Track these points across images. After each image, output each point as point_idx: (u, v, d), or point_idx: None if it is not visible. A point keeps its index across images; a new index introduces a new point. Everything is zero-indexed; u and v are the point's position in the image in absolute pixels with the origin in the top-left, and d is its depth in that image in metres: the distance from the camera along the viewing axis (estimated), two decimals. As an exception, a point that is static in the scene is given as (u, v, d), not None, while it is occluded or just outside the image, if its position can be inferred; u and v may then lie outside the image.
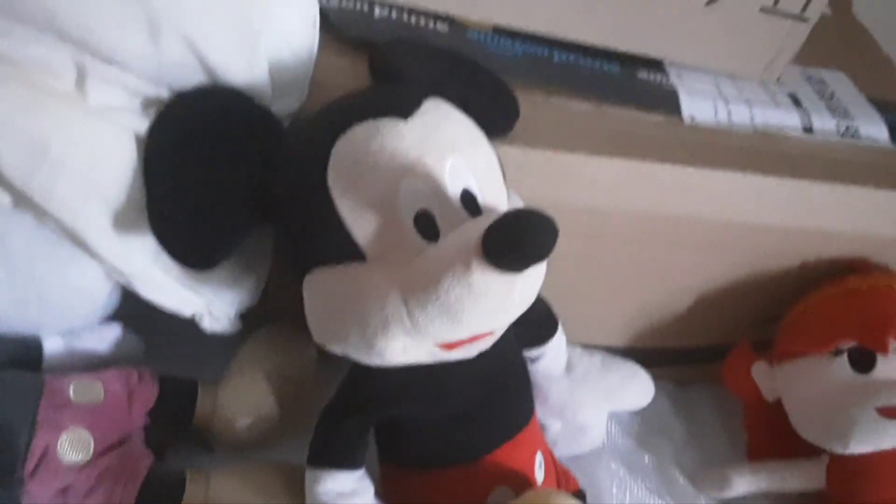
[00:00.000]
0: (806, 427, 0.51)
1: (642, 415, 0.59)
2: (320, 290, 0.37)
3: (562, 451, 0.52)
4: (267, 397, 0.47)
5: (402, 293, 0.35)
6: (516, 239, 0.32)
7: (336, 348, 0.38)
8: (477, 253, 0.33)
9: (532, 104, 0.50)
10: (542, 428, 0.51)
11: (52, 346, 0.44)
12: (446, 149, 0.37)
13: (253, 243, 0.43)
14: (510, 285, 0.33)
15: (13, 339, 0.43)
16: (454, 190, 0.37)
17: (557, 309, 0.50)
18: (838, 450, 0.49)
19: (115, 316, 0.47)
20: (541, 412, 0.50)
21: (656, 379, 0.61)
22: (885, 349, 0.49)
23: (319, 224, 0.36)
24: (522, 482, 0.42)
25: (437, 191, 0.36)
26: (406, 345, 0.36)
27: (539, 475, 0.44)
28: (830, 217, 0.53)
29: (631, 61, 0.55)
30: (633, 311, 0.57)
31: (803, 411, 0.52)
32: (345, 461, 0.40)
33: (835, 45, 0.68)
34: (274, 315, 0.49)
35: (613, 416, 0.58)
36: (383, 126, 0.36)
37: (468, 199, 0.37)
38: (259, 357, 0.48)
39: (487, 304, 0.34)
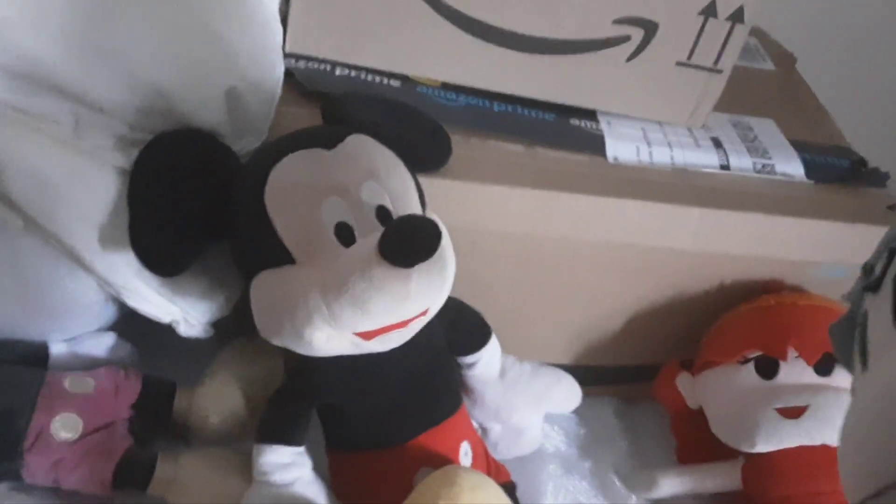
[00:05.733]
0: (721, 430, 0.57)
1: (588, 427, 0.65)
2: (261, 290, 0.45)
3: (504, 453, 0.58)
4: (237, 399, 0.54)
5: (321, 289, 0.42)
6: (404, 239, 0.40)
7: (276, 340, 0.46)
8: (376, 252, 0.40)
9: (469, 146, 0.58)
10: (484, 431, 0.58)
11: (57, 349, 0.53)
12: (363, 174, 0.45)
13: (222, 263, 0.52)
14: (405, 279, 0.41)
15: (25, 342, 0.52)
16: (369, 206, 0.45)
17: (502, 328, 0.57)
18: (747, 448, 0.55)
19: (113, 327, 0.56)
20: (479, 415, 0.57)
21: (605, 395, 0.68)
22: (784, 356, 0.55)
23: (259, 235, 0.45)
24: (446, 464, 0.49)
25: (354, 206, 0.44)
26: (328, 334, 0.43)
27: (465, 461, 0.51)
28: (742, 242, 0.59)
29: (566, 110, 0.63)
30: (572, 330, 0.63)
31: (718, 416, 0.57)
32: (284, 438, 0.47)
33: (772, 96, 0.75)
34: (246, 328, 0.57)
35: (560, 427, 0.64)
36: (310, 155, 0.45)
37: (383, 215, 0.45)
38: (231, 364, 0.56)
39: (387, 295, 0.41)
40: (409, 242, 0.40)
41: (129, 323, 0.55)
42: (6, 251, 0.49)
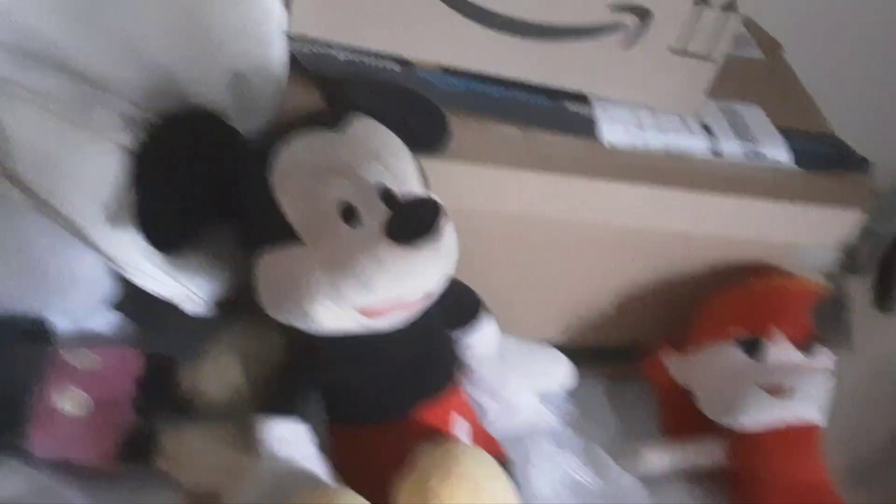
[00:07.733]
0: (708, 406, 0.59)
1: (579, 406, 0.66)
2: (267, 268, 0.46)
3: (499, 430, 0.60)
4: (237, 374, 0.55)
5: (327, 267, 0.44)
6: (410, 219, 0.41)
7: (282, 318, 0.47)
8: (382, 232, 0.42)
9: (467, 128, 0.59)
10: (481, 408, 0.59)
11: (62, 326, 0.54)
12: (367, 155, 0.46)
13: (226, 243, 0.52)
14: (409, 258, 0.42)
15: (27, 318, 0.53)
16: (373, 187, 0.46)
17: (497, 307, 0.58)
18: (732, 423, 0.56)
19: (117, 305, 0.57)
20: (476, 392, 0.58)
21: (597, 375, 0.69)
22: (770, 337, 0.57)
23: (264, 215, 0.46)
24: (442, 437, 0.50)
25: (358, 188, 0.45)
26: (332, 311, 0.45)
27: (460, 436, 0.52)
28: (730, 225, 0.61)
29: (560, 95, 0.64)
30: (565, 310, 0.65)
31: (705, 393, 0.59)
32: (288, 412, 0.49)
33: (760, 83, 0.76)
34: (248, 307, 0.58)
35: (552, 406, 0.65)
36: (315, 136, 0.46)
37: (387, 196, 0.46)
38: (232, 340, 0.56)
39: (393, 273, 0.43)
40: (414, 222, 0.42)
41: (129, 300, 0.56)
42: (7, 226, 0.50)
